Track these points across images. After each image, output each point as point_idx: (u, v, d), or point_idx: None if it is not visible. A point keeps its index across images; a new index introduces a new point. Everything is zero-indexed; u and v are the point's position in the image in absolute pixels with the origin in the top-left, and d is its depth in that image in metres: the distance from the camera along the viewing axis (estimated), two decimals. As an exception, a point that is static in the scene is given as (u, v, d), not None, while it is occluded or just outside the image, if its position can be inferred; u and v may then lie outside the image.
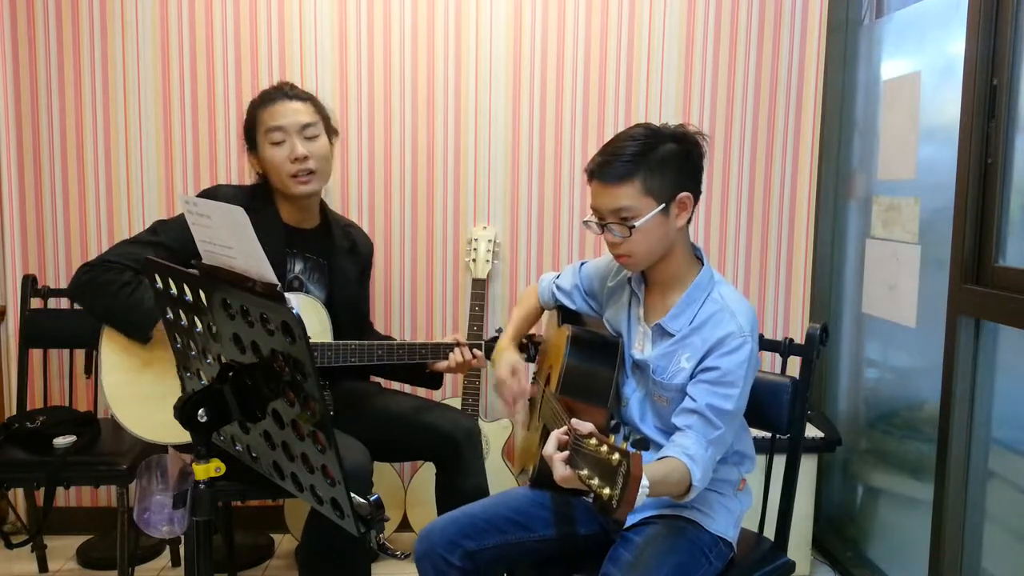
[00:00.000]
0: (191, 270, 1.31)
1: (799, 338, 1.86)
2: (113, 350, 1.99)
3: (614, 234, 1.57)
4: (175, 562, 2.64)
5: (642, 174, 1.53)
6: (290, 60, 2.70)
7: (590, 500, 1.26)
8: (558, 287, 1.92)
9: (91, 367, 2.55)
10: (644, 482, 1.16)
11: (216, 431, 1.30)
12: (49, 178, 2.72)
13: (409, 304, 2.83)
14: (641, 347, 1.68)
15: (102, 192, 2.73)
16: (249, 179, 2.24)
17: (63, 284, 2.71)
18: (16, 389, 2.56)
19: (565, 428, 1.35)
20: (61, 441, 2.26)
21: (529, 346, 2.04)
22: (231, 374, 1.20)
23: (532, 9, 2.71)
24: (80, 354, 2.57)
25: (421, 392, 2.35)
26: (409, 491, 2.72)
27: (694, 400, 1.54)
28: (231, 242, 1.22)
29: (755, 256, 2.84)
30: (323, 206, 2.24)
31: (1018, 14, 1.88)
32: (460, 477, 2.10)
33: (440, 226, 2.79)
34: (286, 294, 1.57)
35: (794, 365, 1.84)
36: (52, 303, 2.62)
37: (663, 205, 1.55)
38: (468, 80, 2.73)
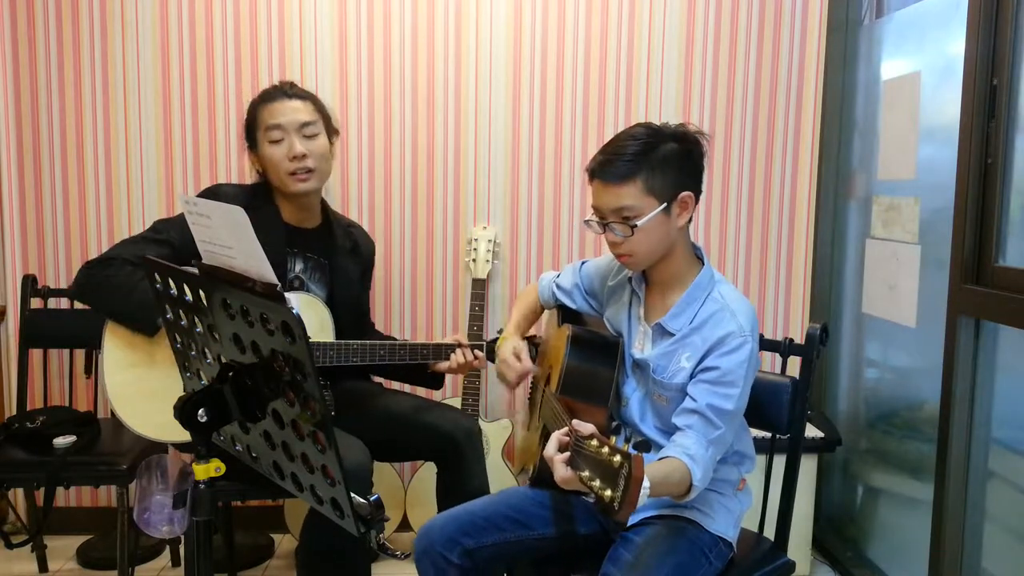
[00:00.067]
0: (191, 270, 1.31)
1: (799, 338, 1.86)
2: (116, 346, 1.99)
3: (616, 233, 1.57)
4: (175, 562, 2.64)
5: (644, 173, 1.53)
6: (290, 60, 2.70)
7: (591, 500, 1.26)
8: (558, 286, 1.92)
9: (91, 367, 2.56)
10: (645, 483, 1.16)
11: (216, 431, 1.30)
12: (49, 178, 2.72)
13: (409, 304, 2.83)
14: (641, 346, 1.68)
15: (102, 192, 2.73)
16: (249, 179, 2.24)
17: (63, 284, 2.71)
18: (16, 389, 2.56)
19: (566, 429, 1.34)
20: (61, 441, 2.26)
21: (529, 346, 2.04)
22: (231, 374, 1.20)
23: (532, 9, 2.71)
24: (80, 354, 2.57)
25: (421, 392, 2.35)
26: (409, 491, 2.72)
27: (694, 400, 1.54)
28: (231, 242, 1.22)
29: (755, 256, 2.84)
30: (324, 206, 2.24)
31: (1018, 14, 1.88)
32: (462, 478, 2.10)
33: (440, 226, 2.79)
34: (286, 294, 1.57)
35: (794, 365, 1.84)
36: (52, 303, 2.62)
37: (665, 204, 1.55)
38: (468, 80, 2.73)
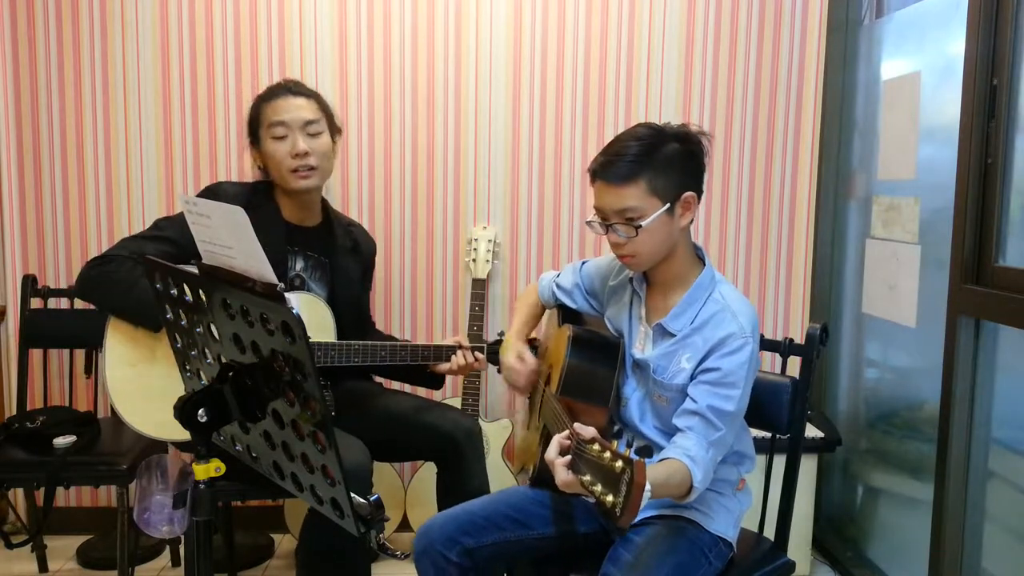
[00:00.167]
0: (191, 270, 1.31)
1: (799, 338, 1.85)
2: (119, 342, 1.99)
3: (619, 234, 1.56)
4: (175, 562, 2.64)
5: (648, 174, 1.53)
6: (290, 60, 2.70)
7: (591, 501, 1.26)
8: (558, 286, 1.92)
9: (91, 367, 2.56)
10: (646, 487, 1.16)
11: (216, 431, 1.30)
12: (49, 178, 2.72)
13: (409, 304, 2.83)
14: (642, 347, 1.68)
15: (102, 192, 2.73)
16: (250, 178, 2.24)
17: (63, 284, 2.71)
18: (16, 389, 2.56)
19: (567, 432, 1.34)
20: (61, 441, 2.26)
21: (529, 348, 2.04)
22: (231, 374, 1.20)
23: (532, 9, 2.71)
24: (80, 354, 2.57)
25: (422, 392, 2.35)
26: (409, 491, 2.72)
27: (695, 401, 1.53)
28: (231, 242, 1.22)
29: (755, 256, 2.84)
30: (325, 204, 2.24)
31: (1018, 14, 1.88)
32: (462, 477, 2.10)
33: (440, 226, 2.79)
34: (287, 294, 1.57)
35: (794, 365, 1.84)
36: (52, 303, 2.61)
37: (668, 205, 1.55)
38: (468, 80, 2.73)
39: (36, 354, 2.60)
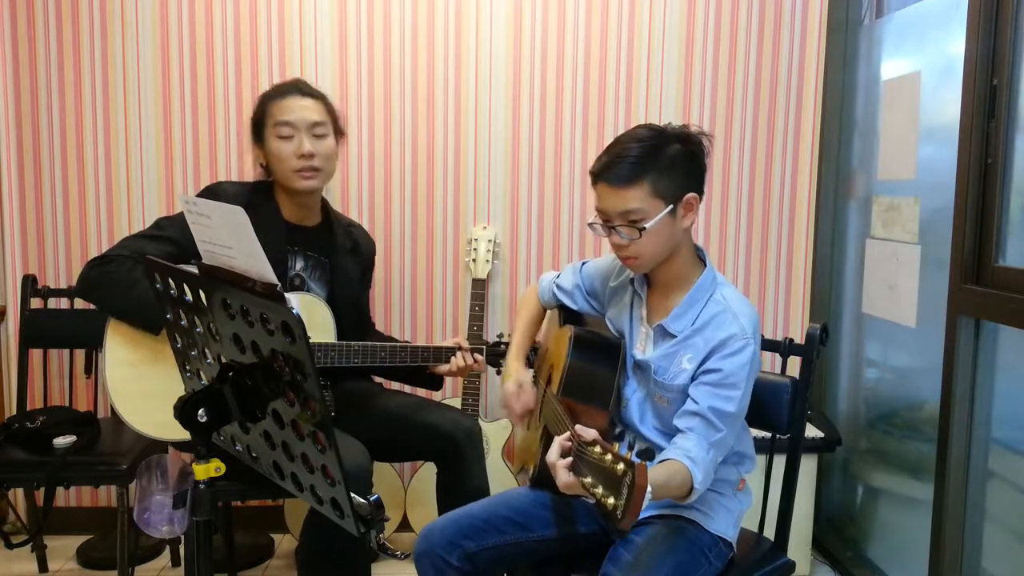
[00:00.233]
0: (191, 270, 1.31)
1: (799, 338, 1.86)
2: (119, 343, 1.99)
3: (622, 236, 1.56)
4: (175, 562, 2.64)
5: (651, 176, 1.52)
6: (290, 60, 2.70)
7: (592, 503, 1.25)
8: (559, 287, 1.91)
9: (91, 367, 2.56)
10: (648, 490, 1.16)
11: (216, 431, 1.30)
12: (49, 178, 2.72)
13: (409, 304, 2.83)
14: (643, 348, 1.68)
15: (102, 192, 2.73)
16: (250, 178, 2.24)
17: (63, 284, 2.71)
18: (16, 389, 2.56)
19: (568, 434, 1.34)
20: (61, 441, 2.26)
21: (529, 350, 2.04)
22: (231, 374, 1.20)
23: (532, 9, 2.71)
24: (80, 354, 2.57)
25: (421, 392, 2.35)
26: (409, 491, 2.72)
27: (696, 402, 1.53)
28: (231, 242, 1.22)
29: (755, 256, 2.84)
30: (325, 204, 2.24)
31: (1018, 14, 1.88)
32: (461, 478, 2.10)
33: (440, 226, 2.79)
34: (287, 294, 1.57)
35: (794, 365, 1.84)
36: (52, 303, 2.61)
37: (671, 206, 1.54)
38: (468, 80, 2.73)
39: (36, 354, 2.60)
